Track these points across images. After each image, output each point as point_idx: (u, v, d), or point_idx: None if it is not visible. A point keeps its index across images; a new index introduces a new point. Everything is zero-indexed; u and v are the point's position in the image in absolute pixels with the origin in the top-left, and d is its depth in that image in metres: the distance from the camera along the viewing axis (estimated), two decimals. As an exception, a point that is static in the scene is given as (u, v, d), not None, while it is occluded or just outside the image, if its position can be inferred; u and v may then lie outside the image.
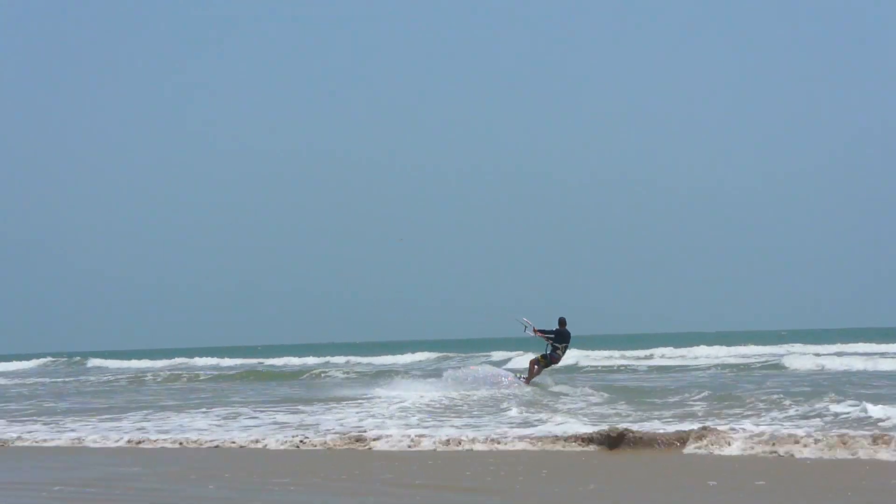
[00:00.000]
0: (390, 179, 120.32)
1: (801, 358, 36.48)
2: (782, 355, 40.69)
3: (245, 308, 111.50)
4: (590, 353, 45.19)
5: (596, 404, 19.66)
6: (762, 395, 19.11)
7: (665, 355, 47.34)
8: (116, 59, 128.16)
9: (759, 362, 37.06)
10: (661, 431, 13.17)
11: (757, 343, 55.00)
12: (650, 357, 46.60)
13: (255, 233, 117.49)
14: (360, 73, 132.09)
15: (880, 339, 54.70)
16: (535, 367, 24.65)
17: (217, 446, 14.67)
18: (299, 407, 20.53)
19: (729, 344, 53.85)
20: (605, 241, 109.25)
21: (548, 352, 24.50)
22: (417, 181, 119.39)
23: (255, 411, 19.85)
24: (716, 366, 36.77)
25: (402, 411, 18.86)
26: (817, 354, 39.77)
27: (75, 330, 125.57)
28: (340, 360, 55.01)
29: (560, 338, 24.31)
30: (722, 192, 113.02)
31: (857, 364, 32.77)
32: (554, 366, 24.94)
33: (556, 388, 23.88)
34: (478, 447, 13.43)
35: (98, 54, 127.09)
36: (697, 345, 52.59)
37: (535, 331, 24.50)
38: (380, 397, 22.45)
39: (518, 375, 25.09)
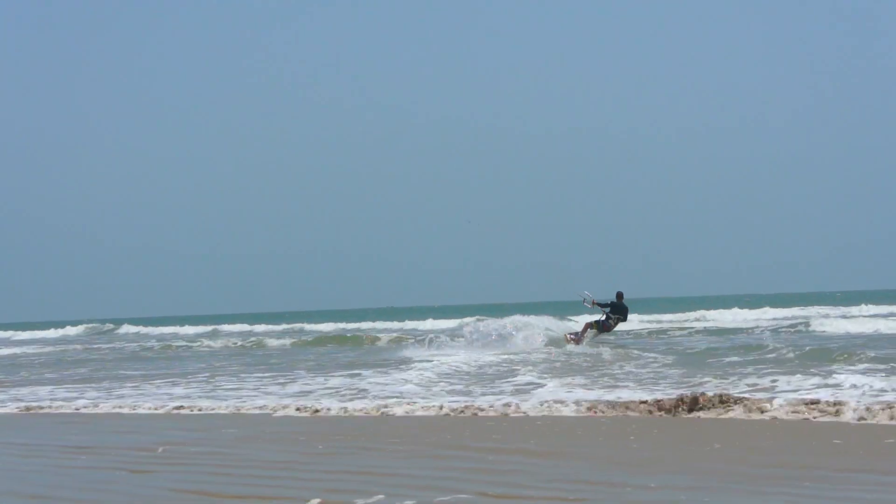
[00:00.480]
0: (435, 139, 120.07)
1: (858, 320, 36.22)
2: (839, 317, 40.28)
3: (274, 275, 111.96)
4: (643, 316, 44.91)
5: (660, 367, 19.36)
6: (826, 357, 18.95)
7: (716, 319, 47.08)
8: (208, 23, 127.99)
9: (814, 323, 36.47)
10: (759, 397, 12.83)
11: (813, 304, 54.43)
12: (700, 319, 46.40)
13: (287, 202, 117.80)
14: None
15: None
16: (588, 329, 27.64)
17: (287, 414, 14.34)
18: (362, 372, 20.39)
19: (786, 306, 53.32)
20: (661, 200, 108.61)
21: (602, 318, 27.65)
22: (472, 143, 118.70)
23: (324, 377, 19.73)
24: (769, 328, 36.38)
25: (475, 376, 18.75)
26: (882, 316, 39.42)
27: (102, 298, 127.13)
28: (392, 324, 54.95)
29: (615, 309, 27.50)
30: (773, 161, 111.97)
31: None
32: (605, 333, 27.71)
33: (619, 353, 23.71)
34: (564, 411, 13.09)
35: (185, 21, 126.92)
36: (752, 308, 52.17)
37: (594, 302, 27.54)
38: (439, 361, 22.34)
39: (570, 334, 27.72)
